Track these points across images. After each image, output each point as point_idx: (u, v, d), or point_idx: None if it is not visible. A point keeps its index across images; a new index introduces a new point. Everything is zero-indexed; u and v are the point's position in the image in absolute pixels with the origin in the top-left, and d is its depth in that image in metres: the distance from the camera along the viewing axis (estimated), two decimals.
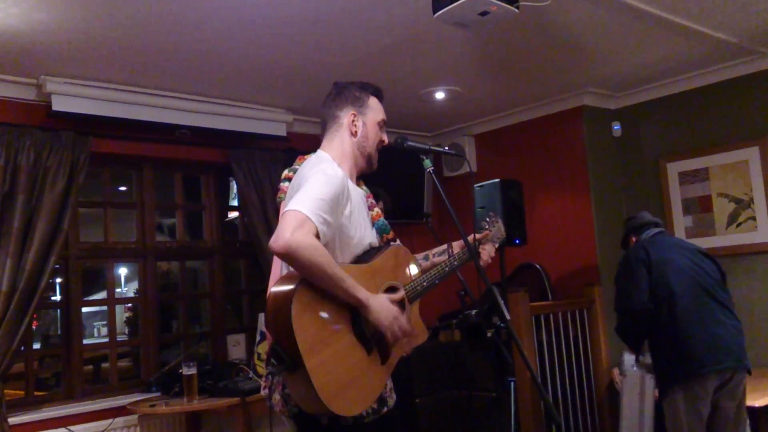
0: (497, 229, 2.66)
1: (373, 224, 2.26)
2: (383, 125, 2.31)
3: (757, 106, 4.49)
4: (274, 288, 1.91)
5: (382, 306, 1.99)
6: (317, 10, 3.25)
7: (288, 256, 1.84)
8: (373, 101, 2.29)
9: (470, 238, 2.41)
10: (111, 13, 3.11)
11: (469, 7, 2.94)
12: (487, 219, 2.66)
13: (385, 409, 2.09)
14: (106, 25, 3.24)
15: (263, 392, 2.12)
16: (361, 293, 1.95)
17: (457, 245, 2.50)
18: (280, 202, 2.24)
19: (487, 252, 2.55)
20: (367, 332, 2.00)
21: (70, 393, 4.06)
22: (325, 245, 1.92)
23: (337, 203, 1.99)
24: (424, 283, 2.25)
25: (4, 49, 3.42)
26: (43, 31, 3.25)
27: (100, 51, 3.55)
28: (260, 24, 3.36)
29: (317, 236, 1.88)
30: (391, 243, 2.28)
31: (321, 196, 1.93)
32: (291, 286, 1.85)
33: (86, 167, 3.92)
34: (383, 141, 2.31)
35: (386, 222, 2.30)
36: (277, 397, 2.05)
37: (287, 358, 1.82)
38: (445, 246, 2.50)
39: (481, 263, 2.47)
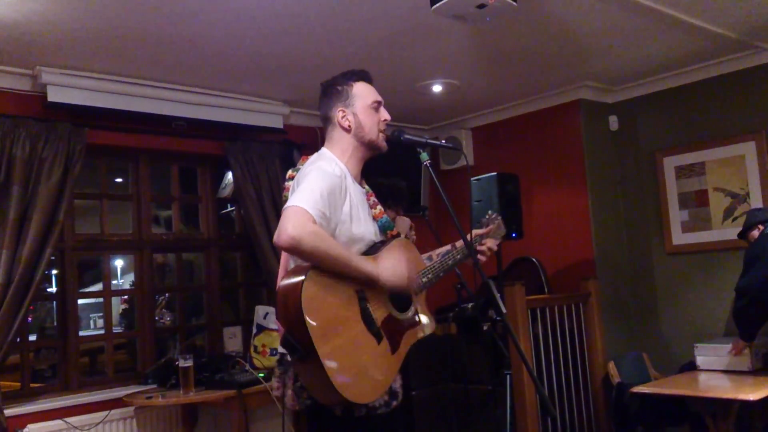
0: (497, 225, 2.67)
1: (376, 221, 2.28)
2: (378, 105, 2.27)
3: (754, 100, 4.49)
4: (283, 281, 1.96)
5: (394, 270, 2.06)
6: (314, 1, 3.23)
7: (293, 248, 1.89)
8: (358, 88, 2.25)
9: (469, 233, 2.43)
10: (107, 3, 3.10)
11: (466, 0, 2.93)
12: (487, 217, 2.67)
13: (395, 402, 2.12)
14: (102, 15, 3.22)
15: (276, 393, 2.17)
16: (369, 267, 2.02)
17: (459, 244, 2.50)
18: (285, 201, 2.25)
19: (489, 247, 2.53)
20: (377, 323, 2.04)
21: (66, 385, 4.06)
22: None
23: (333, 197, 2.02)
24: (429, 275, 2.30)
25: None
26: (39, 22, 3.23)
27: (96, 42, 3.53)
28: (257, 16, 3.35)
29: None
30: (395, 237, 2.30)
31: (317, 190, 1.98)
32: (300, 278, 1.90)
33: (82, 159, 3.91)
34: (385, 120, 2.27)
35: (389, 219, 2.33)
36: (289, 392, 2.10)
37: (299, 347, 1.86)
38: (449, 246, 2.51)
39: (483, 257, 2.49)
